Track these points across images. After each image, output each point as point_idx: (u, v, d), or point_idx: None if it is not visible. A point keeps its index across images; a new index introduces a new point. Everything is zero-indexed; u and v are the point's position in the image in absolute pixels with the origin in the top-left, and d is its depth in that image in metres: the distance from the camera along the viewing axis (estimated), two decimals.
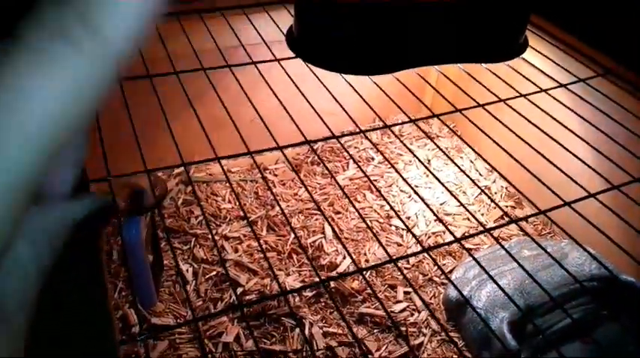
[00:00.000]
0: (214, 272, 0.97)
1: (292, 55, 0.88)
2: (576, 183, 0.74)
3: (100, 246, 0.49)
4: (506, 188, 1.22)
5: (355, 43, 0.84)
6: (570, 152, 0.81)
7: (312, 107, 0.83)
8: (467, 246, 1.06)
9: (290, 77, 0.87)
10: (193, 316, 0.55)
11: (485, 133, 0.84)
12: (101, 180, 0.61)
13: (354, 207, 0.68)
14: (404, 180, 0.80)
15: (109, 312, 0.46)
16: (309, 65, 0.87)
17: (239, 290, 0.94)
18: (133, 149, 0.74)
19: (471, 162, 1.30)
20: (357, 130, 0.96)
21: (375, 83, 0.89)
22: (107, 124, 0.72)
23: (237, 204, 1.13)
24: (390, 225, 1.11)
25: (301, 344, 0.86)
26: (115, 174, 0.64)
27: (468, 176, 0.82)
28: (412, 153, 0.88)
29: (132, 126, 0.75)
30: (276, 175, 1.23)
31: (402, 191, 1.20)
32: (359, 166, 0.85)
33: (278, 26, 0.95)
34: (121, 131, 0.76)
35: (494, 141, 0.82)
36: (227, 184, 1.18)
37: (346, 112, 0.85)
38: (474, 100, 0.88)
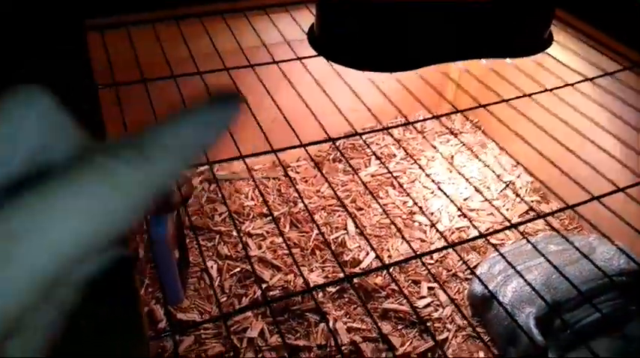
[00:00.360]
0: (238, 269, 0.99)
1: (314, 53, 0.89)
2: (605, 177, 0.73)
3: (128, 244, 0.50)
4: (530, 183, 1.21)
5: (377, 40, 0.84)
6: (597, 146, 0.80)
7: (335, 104, 0.83)
8: (492, 241, 1.05)
9: (312, 75, 0.87)
10: (221, 312, 0.56)
11: (510, 128, 0.83)
12: None
13: (377, 203, 0.68)
14: (427, 176, 0.79)
15: (139, 308, 0.47)
16: (331, 63, 0.87)
17: (263, 286, 0.95)
18: None
19: (495, 157, 1.28)
20: (379, 127, 0.95)
21: (398, 80, 0.89)
22: (132, 124, 0.74)
23: (260, 201, 1.14)
24: (413, 221, 1.10)
25: (325, 340, 0.86)
26: None
27: (493, 171, 0.81)
28: (435, 148, 0.88)
29: None
30: (298, 172, 1.23)
31: (424, 187, 1.19)
32: (382, 163, 0.86)
33: (300, 25, 0.95)
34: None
35: (520, 137, 0.82)
36: (250, 182, 1.19)
37: (368, 109, 0.85)
38: (499, 95, 0.88)
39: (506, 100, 0.86)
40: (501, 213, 0.77)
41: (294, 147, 0.77)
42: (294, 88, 0.86)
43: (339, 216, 1.12)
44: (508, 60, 0.93)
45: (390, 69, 0.87)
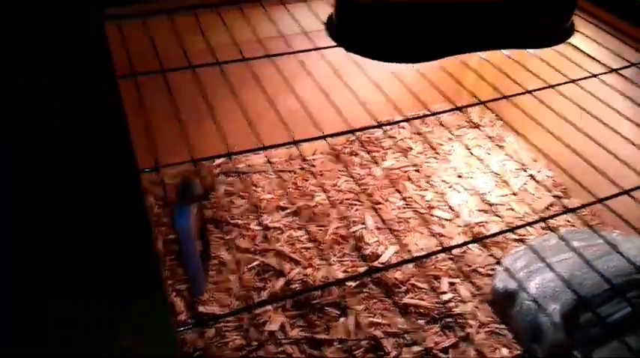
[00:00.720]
0: (256, 262, 0.98)
1: (330, 44, 0.87)
2: (634, 170, 0.71)
3: (154, 235, 0.49)
4: (551, 177, 1.19)
5: (398, 31, 0.82)
6: (624, 138, 0.78)
7: (353, 96, 0.82)
8: (512, 236, 1.03)
9: (329, 66, 0.86)
10: (242, 306, 0.55)
11: (531, 121, 0.82)
12: (151, 171, 0.62)
13: (399, 194, 0.67)
14: (445, 169, 0.78)
15: (165, 300, 0.46)
16: (350, 54, 0.86)
17: (282, 279, 0.94)
18: (177, 139, 0.75)
19: (515, 151, 1.26)
20: (396, 119, 0.94)
21: (416, 71, 0.87)
22: (152, 116, 0.73)
23: (277, 194, 1.13)
24: (432, 216, 1.09)
25: (346, 334, 0.85)
26: (162, 165, 0.65)
27: (513, 165, 0.80)
28: (454, 141, 0.86)
29: (177, 118, 0.76)
30: (314, 166, 1.22)
31: (443, 181, 1.18)
32: (402, 155, 0.84)
33: (316, 16, 0.94)
34: (164, 122, 0.77)
35: (545, 128, 0.80)
36: (266, 175, 1.18)
37: (389, 100, 0.83)
38: (521, 86, 0.86)
39: (530, 91, 0.84)
40: (529, 205, 0.75)
41: (314, 139, 0.75)
42: (312, 79, 0.85)
43: (357, 209, 1.11)
44: (530, 50, 0.91)
45: (410, 60, 0.85)
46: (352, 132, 0.80)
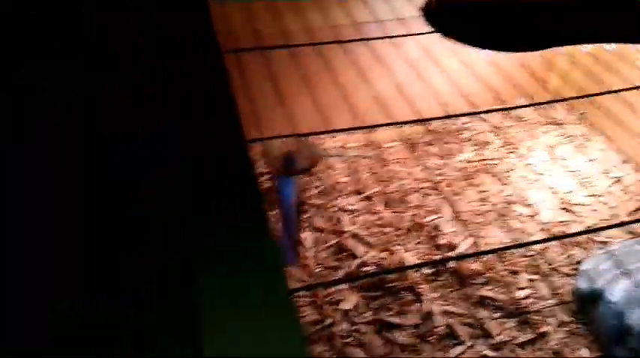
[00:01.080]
0: (332, 242, 1.00)
1: (425, 30, 0.87)
2: None
3: (264, 206, 0.51)
4: None
5: (498, 20, 0.81)
6: None
7: (446, 82, 0.81)
8: (596, 238, 1.00)
9: (417, 54, 0.86)
10: (317, 282, 0.57)
11: (624, 120, 0.78)
12: (254, 141, 0.64)
13: (477, 187, 0.66)
14: (526, 165, 0.76)
15: (279, 262, 0.48)
16: (444, 41, 0.85)
17: (357, 261, 0.96)
18: (276, 114, 0.77)
19: (602, 151, 1.21)
20: (478, 110, 0.92)
21: (515, 60, 0.85)
22: (252, 91, 0.76)
23: (354, 178, 1.14)
24: (511, 211, 1.07)
25: (420, 319, 0.86)
26: (266, 137, 0.67)
27: (607, 162, 0.77)
28: (536, 138, 0.84)
29: (275, 93, 0.78)
30: (391, 153, 1.23)
31: (523, 177, 1.15)
32: (484, 147, 0.83)
33: (412, 2, 0.94)
34: (263, 97, 0.80)
35: None
36: (343, 158, 1.19)
37: (482, 90, 0.82)
38: (623, 82, 0.82)
39: (637, 87, 0.80)
40: (615, 208, 0.73)
41: (415, 121, 0.75)
42: (407, 64, 0.85)
43: (433, 199, 1.10)
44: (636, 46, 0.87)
45: (509, 49, 0.83)
46: (451, 117, 0.79)
